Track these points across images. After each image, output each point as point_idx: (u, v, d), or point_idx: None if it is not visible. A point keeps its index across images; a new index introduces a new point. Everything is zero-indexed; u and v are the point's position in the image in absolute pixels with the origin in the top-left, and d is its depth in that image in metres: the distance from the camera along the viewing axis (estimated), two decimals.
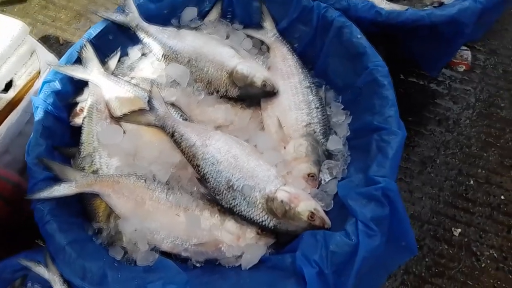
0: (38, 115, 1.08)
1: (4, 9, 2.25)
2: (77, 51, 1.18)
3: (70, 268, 0.90)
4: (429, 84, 1.91)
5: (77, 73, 1.15)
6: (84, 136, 1.11)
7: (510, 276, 1.47)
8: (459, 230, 1.56)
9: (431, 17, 1.24)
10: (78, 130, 1.14)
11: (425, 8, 1.39)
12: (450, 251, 1.53)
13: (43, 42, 1.78)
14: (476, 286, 1.46)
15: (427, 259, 1.51)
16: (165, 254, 1.01)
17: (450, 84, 1.92)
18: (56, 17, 2.24)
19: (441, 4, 1.39)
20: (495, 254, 1.52)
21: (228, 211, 1.04)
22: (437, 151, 1.74)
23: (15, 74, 1.39)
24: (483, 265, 1.50)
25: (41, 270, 0.98)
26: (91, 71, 1.15)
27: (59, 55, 1.76)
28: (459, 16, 1.25)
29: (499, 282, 1.46)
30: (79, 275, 0.89)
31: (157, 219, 1.01)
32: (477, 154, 1.73)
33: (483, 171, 1.69)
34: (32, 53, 1.42)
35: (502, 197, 1.63)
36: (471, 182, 1.67)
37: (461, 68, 1.95)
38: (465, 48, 1.97)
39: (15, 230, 1.15)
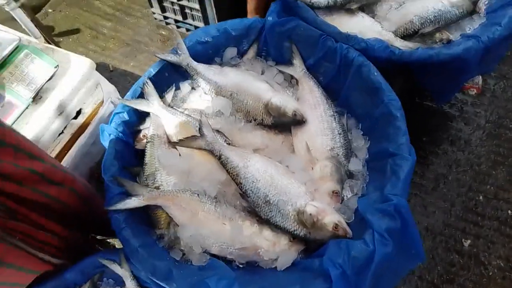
0: (111, 140, 1.31)
1: (61, 39, 2.53)
2: (140, 87, 1.42)
3: (142, 266, 1.11)
4: (442, 107, 2.08)
5: (141, 106, 1.38)
6: (147, 158, 1.34)
7: None
8: (469, 241, 1.72)
9: (439, 55, 1.42)
10: (141, 152, 1.38)
11: (434, 45, 1.57)
12: (460, 261, 1.69)
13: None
14: None
15: (439, 267, 1.67)
16: (214, 256, 1.22)
17: (462, 107, 2.08)
18: (105, 46, 2.51)
19: (449, 41, 1.56)
20: (502, 264, 1.67)
21: (265, 222, 1.23)
22: (450, 169, 1.91)
23: (84, 103, 1.64)
24: (490, 274, 1.65)
25: (115, 268, 1.20)
26: (153, 104, 1.39)
27: (110, 80, 2.03)
28: (464, 55, 1.41)
29: None
30: (150, 271, 1.10)
31: (207, 227, 1.22)
32: (486, 172, 1.89)
33: (492, 188, 1.84)
34: (97, 85, 1.68)
35: (509, 212, 1.78)
36: (481, 197, 1.82)
37: (472, 92, 2.11)
38: None
39: (87, 220, 1.34)
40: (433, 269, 1.67)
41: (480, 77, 2.12)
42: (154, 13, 2.49)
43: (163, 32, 2.54)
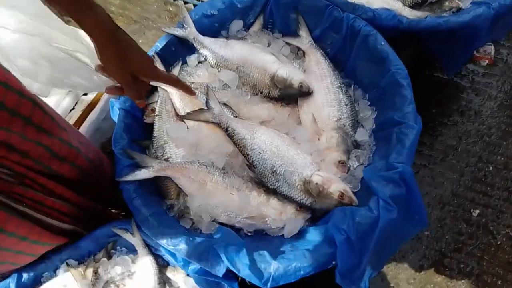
0: (121, 114, 1.34)
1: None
2: None
3: (153, 233, 1.16)
4: (453, 79, 2.05)
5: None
6: (156, 131, 1.37)
7: None
8: (478, 211, 1.73)
9: (448, 23, 1.39)
10: (150, 126, 1.40)
11: (444, 13, 1.55)
12: (469, 230, 1.70)
13: None
14: (492, 260, 1.63)
15: (447, 237, 1.69)
16: (222, 224, 1.26)
17: (473, 78, 2.05)
18: None
19: (459, 9, 1.53)
20: (510, 233, 1.67)
21: (272, 192, 1.25)
22: (459, 140, 1.89)
23: None
24: (499, 243, 1.66)
25: (128, 236, 1.25)
26: None
27: None
28: (474, 22, 1.39)
29: None
30: (160, 239, 1.15)
31: (216, 197, 1.25)
32: (496, 143, 1.87)
33: (502, 158, 1.83)
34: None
35: None
36: (490, 168, 1.82)
37: (484, 63, 2.07)
38: (489, 43, 2.08)
39: (98, 193, 1.37)
40: (441, 238, 1.68)
41: (493, 47, 2.08)
42: None
43: (171, 9, 2.53)
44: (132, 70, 0.95)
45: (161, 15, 2.51)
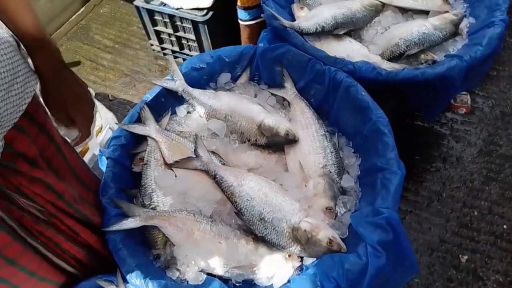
0: (109, 164, 1.35)
1: None
2: (138, 112, 1.47)
3: (138, 286, 1.13)
4: (433, 126, 2.13)
5: (138, 130, 1.43)
6: (144, 180, 1.37)
7: None
8: (466, 256, 1.73)
9: (424, 74, 1.47)
10: (138, 175, 1.41)
11: (420, 66, 1.64)
12: (459, 276, 1.69)
13: (95, 98, 2.12)
14: None
15: (437, 284, 1.67)
16: (210, 275, 1.23)
17: (452, 126, 2.13)
18: (105, 77, 2.60)
19: (434, 62, 1.64)
20: (500, 279, 1.66)
21: (261, 239, 1.25)
22: (443, 186, 1.93)
23: None
24: None
25: None
26: (149, 128, 1.43)
27: (109, 109, 2.10)
28: (448, 73, 1.47)
29: None
30: None
31: (203, 246, 1.23)
32: (479, 188, 1.92)
33: (486, 203, 1.86)
34: (95, 112, 1.73)
35: (505, 226, 1.79)
36: (475, 213, 1.84)
37: (462, 111, 2.17)
38: (465, 93, 2.19)
39: None
40: (431, 285, 1.66)
41: (469, 96, 2.19)
42: (152, 44, 2.58)
43: (161, 63, 2.63)
44: (69, 111, 1.01)
45: (152, 69, 2.60)
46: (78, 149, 1.26)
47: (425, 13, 1.80)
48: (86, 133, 1.12)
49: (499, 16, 1.60)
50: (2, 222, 0.92)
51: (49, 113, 1.02)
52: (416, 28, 1.69)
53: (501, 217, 1.82)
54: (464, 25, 1.74)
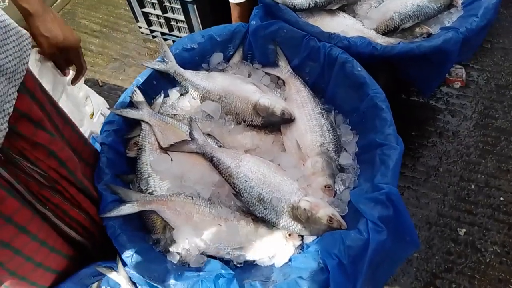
0: (103, 150, 1.33)
1: None
2: (129, 96, 1.44)
3: (139, 270, 1.11)
4: (428, 101, 2.12)
5: (131, 114, 1.39)
6: (139, 165, 1.35)
7: None
8: (464, 230, 1.74)
9: (420, 48, 1.45)
10: (133, 160, 1.39)
11: (416, 39, 1.62)
12: (457, 249, 1.70)
13: (85, 83, 2.07)
14: (483, 279, 1.63)
15: (436, 257, 1.69)
16: (211, 257, 1.23)
17: (448, 100, 2.12)
18: (94, 62, 2.54)
19: (430, 35, 1.61)
20: (498, 250, 1.68)
21: (261, 220, 1.24)
22: (440, 161, 1.93)
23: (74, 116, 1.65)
24: (488, 260, 1.67)
25: (113, 275, 1.20)
26: (142, 112, 1.40)
27: (100, 95, 2.05)
28: (444, 46, 1.45)
29: (503, 274, 1.63)
30: (147, 275, 1.10)
31: (203, 229, 1.23)
32: (476, 161, 1.92)
33: (483, 176, 1.87)
34: (86, 98, 1.69)
35: (501, 199, 1.80)
36: (472, 186, 1.85)
37: (457, 85, 2.15)
38: (459, 66, 2.18)
39: None
40: (431, 259, 1.68)
41: (464, 70, 2.17)
42: (140, 27, 2.52)
43: (151, 45, 2.57)
44: (60, 44, 1.07)
45: (141, 52, 2.54)
46: (78, 84, 1.34)
47: None
48: (80, 66, 1.17)
49: None
50: (10, 187, 0.93)
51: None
52: (411, 1, 1.65)
53: (497, 190, 1.83)
54: None
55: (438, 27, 1.66)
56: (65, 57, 1.14)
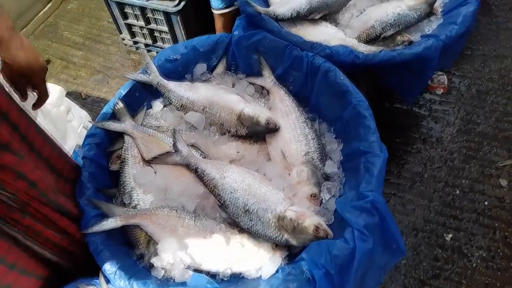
0: (84, 164, 1.30)
1: None
2: (111, 108, 1.42)
3: (123, 287, 1.09)
4: (412, 108, 2.14)
5: (113, 127, 1.37)
6: (122, 178, 1.33)
7: (499, 273, 1.65)
8: (450, 235, 1.75)
9: (401, 56, 1.47)
10: (115, 174, 1.36)
11: (397, 47, 1.64)
12: (444, 255, 1.71)
13: (67, 97, 2.04)
14: (470, 284, 1.63)
15: (424, 264, 1.69)
16: (197, 271, 1.20)
17: (431, 106, 2.15)
18: (77, 75, 2.51)
19: (411, 42, 1.64)
20: (484, 254, 1.69)
21: (247, 232, 1.23)
22: (425, 167, 1.95)
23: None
24: (474, 265, 1.67)
25: None
26: (125, 124, 1.38)
27: (84, 107, 2.03)
28: (425, 53, 1.47)
29: (489, 279, 1.64)
30: None
31: (188, 242, 1.20)
32: (460, 167, 1.94)
33: (467, 181, 1.89)
34: (68, 112, 1.67)
35: (486, 203, 1.82)
36: (457, 191, 1.87)
37: (439, 91, 2.18)
38: (441, 73, 2.21)
39: None
40: (418, 265, 1.68)
41: (445, 76, 2.20)
42: (123, 39, 2.51)
43: (134, 57, 2.56)
44: (22, 71, 1.01)
45: (124, 64, 2.53)
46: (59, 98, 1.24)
47: None
48: (42, 93, 1.12)
49: None
50: None
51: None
52: (391, 9, 1.68)
53: (482, 194, 1.85)
54: (438, 5, 1.74)
55: (419, 35, 1.69)
56: (28, 83, 1.09)
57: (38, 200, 1.06)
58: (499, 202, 1.81)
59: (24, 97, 1.09)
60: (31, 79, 1.07)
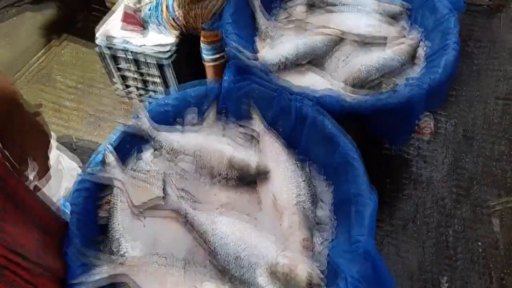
0: (73, 211, 1.27)
1: None
2: (102, 154, 1.41)
3: None
4: (400, 151, 2.17)
5: (102, 179, 1.36)
6: (111, 224, 1.30)
7: None
8: (446, 277, 1.72)
9: (387, 105, 1.49)
10: (104, 225, 1.34)
11: (383, 91, 1.69)
12: None
13: (58, 141, 2.04)
14: None
15: None
16: None
17: (419, 147, 2.18)
18: (68, 118, 2.51)
19: (396, 84, 1.69)
20: None
21: (238, 281, 1.19)
22: (416, 209, 1.95)
23: None
24: None
25: None
26: (115, 171, 1.37)
27: (74, 152, 2.02)
28: (409, 100, 1.51)
29: None
30: None
31: None
32: (451, 207, 1.94)
33: (459, 222, 1.89)
34: (58, 164, 1.66)
35: (479, 243, 1.81)
36: (450, 232, 1.86)
37: (427, 131, 2.22)
38: (428, 114, 2.26)
39: None
40: None
41: (432, 116, 2.25)
42: (116, 89, 2.51)
43: (127, 100, 2.58)
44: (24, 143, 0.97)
45: (117, 107, 2.55)
46: (37, 184, 1.18)
47: (382, 44, 1.86)
48: (44, 166, 1.08)
49: (452, 39, 1.68)
50: None
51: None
52: (376, 54, 1.76)
53: (475, 235, 1.84)
54: (421, 50, 1.82)
55: (404, 78, 1.74)
56: None
57: (18, 264, 0.97)
58: (493, 242, 1.80)
59: None
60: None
